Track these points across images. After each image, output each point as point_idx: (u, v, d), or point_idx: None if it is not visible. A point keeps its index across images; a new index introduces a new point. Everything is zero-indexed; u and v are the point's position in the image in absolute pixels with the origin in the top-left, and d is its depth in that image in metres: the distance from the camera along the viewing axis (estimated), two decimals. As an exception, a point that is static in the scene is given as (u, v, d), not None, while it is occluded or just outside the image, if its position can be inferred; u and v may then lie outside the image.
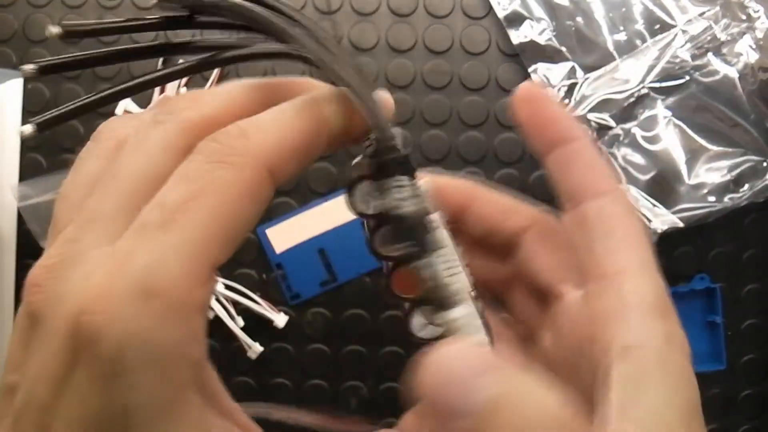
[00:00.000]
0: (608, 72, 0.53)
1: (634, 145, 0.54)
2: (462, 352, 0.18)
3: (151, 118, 0.19)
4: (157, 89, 0.57)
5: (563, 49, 0.55)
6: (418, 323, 0.20)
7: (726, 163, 0.54)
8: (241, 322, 0.55)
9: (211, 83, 0.56)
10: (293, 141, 0.18)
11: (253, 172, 0.17)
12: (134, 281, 0.16)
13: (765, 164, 0.54)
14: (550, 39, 0.56)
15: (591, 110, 0.54)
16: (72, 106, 0.19)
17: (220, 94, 0.19)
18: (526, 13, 0.56)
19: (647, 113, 0.54)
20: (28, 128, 0.19)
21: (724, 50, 0.55)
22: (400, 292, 0.20)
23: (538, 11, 0.56)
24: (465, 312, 0.20)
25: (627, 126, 0.54)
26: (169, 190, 0.17)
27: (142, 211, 0.17)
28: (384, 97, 0.20)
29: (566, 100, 0.55)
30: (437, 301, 0.20)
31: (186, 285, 0.16)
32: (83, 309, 0.15)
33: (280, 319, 0.55)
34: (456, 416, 0.17)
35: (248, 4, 0.19)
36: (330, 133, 0.19)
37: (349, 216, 0.54)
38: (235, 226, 0.17)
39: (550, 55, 0.55)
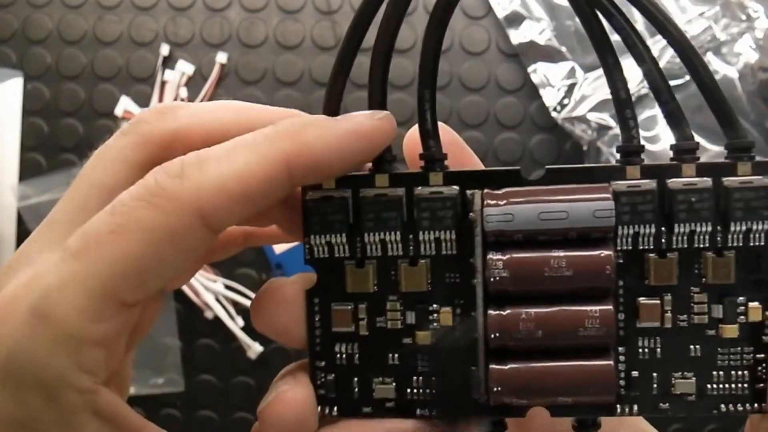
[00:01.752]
0: (608, 72, 0.54)
1: (634, 145, 0.54)
2: None
3: (121, 129, 0.19)
4: (156, 90, 0.57)
5: (563, 49, 0.55)
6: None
7: (726, 163, 0.54)
8: (241, 322, 0.55)
9: (210, 84, 0.56)
10: (240, 183, 0.16)
11: (178, 218, 0.16)
12: (33, 301, 0.16)
13: (765, 164, 0.54)
14: (550, 39, 0.56)
15: (591, 110, 0.54)
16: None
17: (197, 110, 0.19)
18: (525, 13, 0.56)
19: (647, 113, 0.54)
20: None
21: (724, 50, 0.55)
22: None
23: (538, 11, 0.56)
24: None
25: (627, 126, 0.54)
26: (95, 219, 0.17)
27: (70, 239, 0.17)
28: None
29: (566, 100, 0.55)
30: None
31: (79, 318, 0.16)
32: None
33: (279, 319, 0.55)
34: None
35: None
36: (297, 166, 0.17)
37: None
38: (149, 268, 0.16)
39: (549, 55, 0.55)
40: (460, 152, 0.20)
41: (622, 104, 0.18)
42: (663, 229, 0.18)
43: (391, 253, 0.18)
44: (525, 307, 0.17)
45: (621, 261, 0.18)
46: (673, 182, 0.18)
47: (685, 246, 0.18)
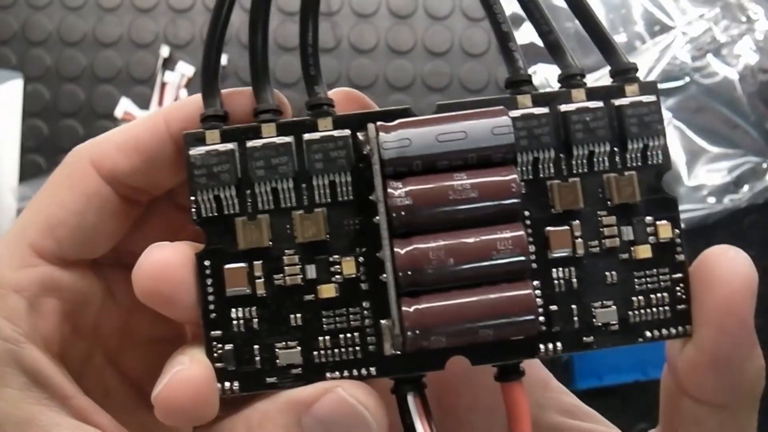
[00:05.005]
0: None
1: (634, 147, 0.54)
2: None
3: None
4: (156, 92, 0.57)
5: (563, 50, 0.55)
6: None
7: (726, 164, 0.54)
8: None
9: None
10: (124, 137, 0.18)
11: (72, 165, 0.18)
12: None
13: (765, 165, 0.54)
14: (549, 40, 0.56)
15: (591, 111, 0.54)
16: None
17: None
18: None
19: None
20: None
21: (724, 52, 0.55)
22: None
23: (538, 12, 0.56)
24: None
25: (627, 127, 0.54)
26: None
27: None
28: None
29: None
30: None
31: (2, 266, 0.18)
32: None
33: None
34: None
35: None
36: (168, 130, 0.18)
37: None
38: (53, 213, 0.18)
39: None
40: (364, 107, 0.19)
41: (505, 37, 0.18)
42: (562, 155, 0.17)
43: (284, 204, 0.17)
44: (433, 237, 0.16)
45: (524, 191, 0.17)
46: (566, 106, 0.17)
47: (586, 170, 0.17)
